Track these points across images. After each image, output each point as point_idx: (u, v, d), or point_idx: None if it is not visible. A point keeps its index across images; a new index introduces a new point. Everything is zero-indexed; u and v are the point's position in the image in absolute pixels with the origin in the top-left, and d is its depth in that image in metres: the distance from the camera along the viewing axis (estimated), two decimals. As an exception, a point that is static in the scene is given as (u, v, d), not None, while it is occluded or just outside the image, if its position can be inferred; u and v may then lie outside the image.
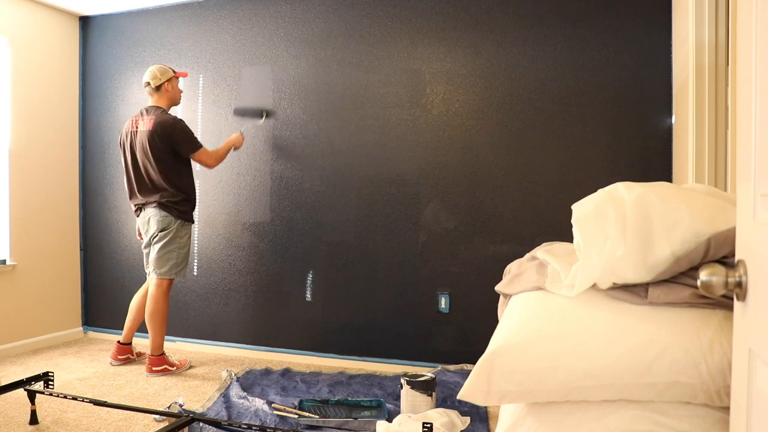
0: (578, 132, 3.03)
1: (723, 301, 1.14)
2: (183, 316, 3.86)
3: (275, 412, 2.53)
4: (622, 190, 1.30)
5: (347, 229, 3.45)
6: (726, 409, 1.04)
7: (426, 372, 2.78)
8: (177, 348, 3.82)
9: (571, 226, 1.36)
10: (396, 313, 3.17)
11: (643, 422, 1.10)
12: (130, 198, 3.29)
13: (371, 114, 3.39)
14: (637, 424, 1.10)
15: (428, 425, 2.02)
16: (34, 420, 2.46)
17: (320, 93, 3.51)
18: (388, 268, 3.36)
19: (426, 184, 3.29)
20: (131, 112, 4.01)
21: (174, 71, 3.28)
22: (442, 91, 3.27)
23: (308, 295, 3.55)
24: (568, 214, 1.39)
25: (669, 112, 2.88)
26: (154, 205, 3.16)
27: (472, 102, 3.21)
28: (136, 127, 3.18)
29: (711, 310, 1.16)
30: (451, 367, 3.15)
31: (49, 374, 2.63)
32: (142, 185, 3.19)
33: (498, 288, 1.79)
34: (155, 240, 3.19)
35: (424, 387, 2.50)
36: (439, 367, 3.17)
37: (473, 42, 3.20)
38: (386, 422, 2.35)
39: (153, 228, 3.19)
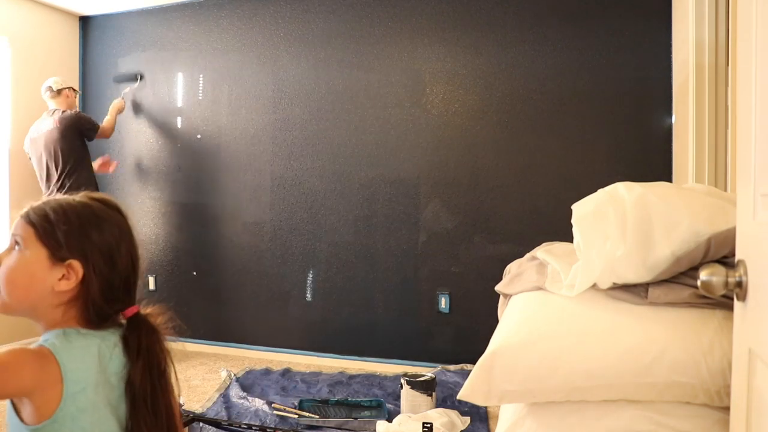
0: (578, 132, 3.03)
1: (723, 301, 1.14)
2: (183, 316, 3.85)
3: (275, 412, 2.53)
4: (622, 190, 1.30)
5: (347, 229, 3.45)
6: (726, 409, 1.04)
7: (426, 372, 2.78)
8: (177, 348, 3.81)
9: (571, 226, 1.36)
10: (396, 313, 3.17)
11: (643, 422, 1.10)
12: None
13: (371, 114, 3.39)
14: (637, 424, 1.10)
15: (428, 425, 2.02)
16: (34, 420, 2.47)
17: (320, 93, 3.51)
18: (388, 268, 3.36)
19: (426, 184, 3.29)
20: (131, 112, 4.01)
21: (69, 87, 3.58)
22: (442, 91, 3.27)
23: (308, 295, 3.55)
24: (568, 214, 1.39)
25: (669, 112, 2.88)
26: None
27: (472, 102, 3.21)
28: (38, 131, 3.46)
29: (711, 310, 1.16)
30: (451, 367, 3.15)
31: (49, 374, 2.63)
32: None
33: (498, 288, 1.79)
34: None
35: (424, 387, 2.50)
36: (439, 367, 3.17)
37: (473, 42, 3.20)
38: (386, 422, 2.35)
39: None
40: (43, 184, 3.42)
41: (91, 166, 3.53)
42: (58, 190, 3.32)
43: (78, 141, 3.41)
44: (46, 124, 3.40)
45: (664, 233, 1.19)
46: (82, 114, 3.54)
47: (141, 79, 3.89)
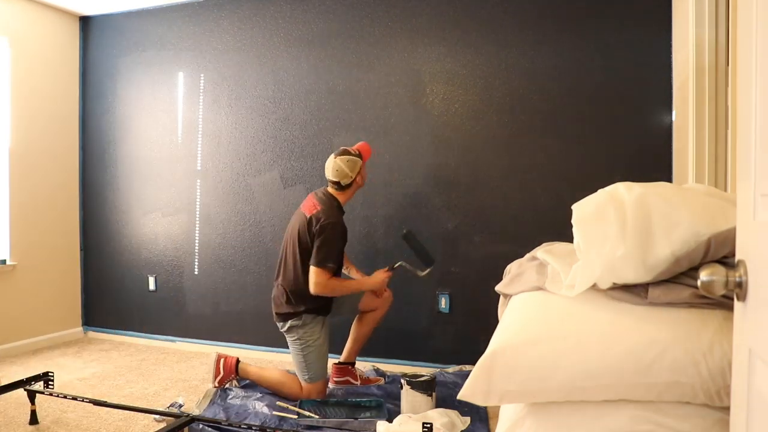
0: (578, 132, 3.03)
1: (723, 301, 1.14)
2: (183, 316, 3.86)
3: (275, 412, 2.53)
4: (622, 190, 1.30)
5: (347, 228, 3.44)
6: (726, 409, 1.04)
7: (426, 372, 2.78)
8: (177, 348, 3.82)
9: (571, 226, 1.36)
10: (396, 313, 3.17)
11: (643, 422, 1.10)
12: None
13: (371, 114, 3.39)
14: (637, 424, 1.10)
15: (428, 425, 2.02)
16: (34, 420, 2.46)
17: (320, 93, 3.51)
18: (388, 268, 3.35)
19: (426, 184, 3.29)
20: (131, 112, 4.01)
21: (361, 157, 2.77)
22: (442, 91, 3.27)
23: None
24: (568, 214, 1.39)
25: (669, 112, 2.88)
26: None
27: (472, 102, 3.21)
28: (301, 206, 2.83)
29: (711, 310, 1.16)
30: (451, 369, 3.15)
31: (49, 374, 2.63)
32: (279, 270, 2.85)
33: (498, 288, 1.79)
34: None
35: (424, 387, 2.50)
36: (439, 370, 3.17)
37: (473, 42, 3.20)
38: (386, 422, 2.35)
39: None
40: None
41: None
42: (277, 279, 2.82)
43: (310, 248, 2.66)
44: (306, 203, 2.78)
45: (664, 233, 1.19)
46: (336, 232, 2.67)
47: (430, 269, 2.85)
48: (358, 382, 2.97)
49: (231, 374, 2.87)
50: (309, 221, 2.68)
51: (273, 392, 2.78)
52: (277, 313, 2.79)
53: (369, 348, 3.10)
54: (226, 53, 3.74)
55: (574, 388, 1.13)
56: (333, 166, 2.74)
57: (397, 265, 2.82)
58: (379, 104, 3.37)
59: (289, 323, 2.73)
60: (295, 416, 2.48)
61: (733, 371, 0.90)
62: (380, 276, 2.80)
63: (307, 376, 2.73)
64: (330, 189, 2.80)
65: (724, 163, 2.15)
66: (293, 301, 2.72)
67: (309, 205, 2.76)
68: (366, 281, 2.83)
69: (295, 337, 2.73)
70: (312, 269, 2.63)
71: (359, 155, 2.77)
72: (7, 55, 3.64)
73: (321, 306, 2.75)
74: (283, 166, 3.60)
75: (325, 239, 2.63)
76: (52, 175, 3.96)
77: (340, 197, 2.79)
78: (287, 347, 3.48)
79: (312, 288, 2.63)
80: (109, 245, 4.09)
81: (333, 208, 2.73)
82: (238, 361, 2.90)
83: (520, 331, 1.24)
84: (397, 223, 3.34)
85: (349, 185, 2.76)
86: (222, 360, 2.89)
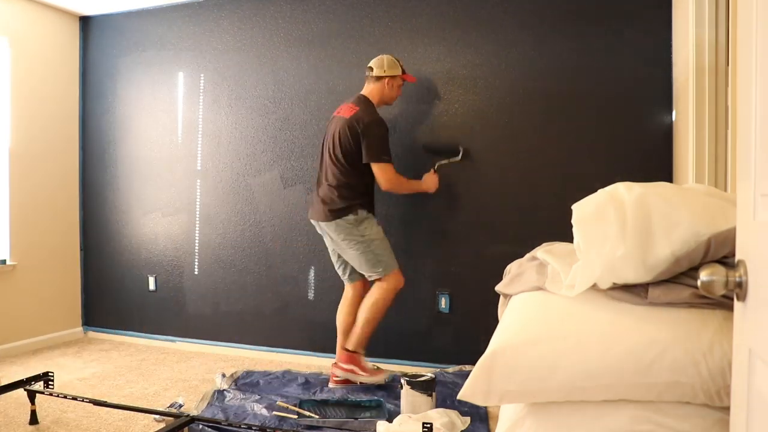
0: (578, 132, 3.03)
1: (723, 301, 1.14)
2: (183, 316, 3.86)
3: (275, 412, 2.53)
4: (622, 190, 1.30)
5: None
6: (726, 409, 1.04)
7: (426, 372, 2.78)
8: (177, 348, 3.82)
9: (571, 226, 1.36)
10: (396, 313, 3.17)
11: (643, 422, 1.10)
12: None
13: (371, 114, 3.39)
14: (637, 424, 1.10)
15: (428, 425, 2.02)
16: (34, 420, 2.46)
17: (320, 93, 3.51)
18: (388, 268, 3.35)
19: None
20: (131, 112, 4.01)
21: (404, 71, 2.97)
22: (442, 91, 3.26)
23: (310, 294, 3.55)
24: (568, 214, 1.39)
25: (669, 112, 2.88)
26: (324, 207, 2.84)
27: (472, 102, 3.21)
28: (338, 112, 2.93)
29: (711, 310, 1.16)
30: (451, 369, 3.15)
31: (49, 374, 2.63)
32: (321, 176, 2.93)
33: (498, 288, 1.79)
34: (340, 248, 2.90)
35: (424, 387, 2.50)
36: (439, 370, 3.17)
37: (473, 42, 3.20)
38: (386, 422, 2.35)
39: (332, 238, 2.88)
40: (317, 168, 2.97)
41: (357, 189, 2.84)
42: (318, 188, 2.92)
43: (353, 153, 2.79)
44: (342, 109, 2.89)
45: (664, 233, 1.19)
46: (380, 127, 2.79)
47: (463, 154, 3.14)
48: (366, 373, 2.90)
49: (356, 363, 2.88)
50: (350, 123, 2.77)
51: (377, 318, 2.84)
52: (330, 210, 2.79)
53: (369, 348, 3.10)
54: (226, 53, 3.74)
55: (574, 388, 1.13)
56: (378, 57, 2.94)
57: (437, 166, 3.09)
58: (379, 104, 3.37)
59: (347, 219, 2.78)
60: (295, 416, 2.48)
61: (733, 371, 0.90)
62: (432, 177, 3.04)
63: (381, 269, 2.80)
64: (364, 90, 2.95)
65: (724, 163, 2.15)
66: (346, 195, 2.79)
67: (346, 109, 2.86)
68: (423, 183, 3.02)
69: (356, 235, 2.79)
70: (375, 167, 2.78)
71: (404, 71, 2.96)
72: (7, 55, 3.64)
73: (370, 202, 2.88)
74: (283, 166, 3.60)
75: (373, 136, 2.75)
76: (52, 175, 3.96)
77: (373, 97, 2.91)
78: (287, 347, 3.48)
79: (384, 185, 2.81)
80: (109, 245, 4.09)
81: (370, 106, 2.86)
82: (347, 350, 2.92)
83: (520, 331, 1.24)
84: (397, 223, 3.34)
85: (378, 79, 2.90)
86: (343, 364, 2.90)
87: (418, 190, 3.01)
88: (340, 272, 3.06)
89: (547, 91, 3.07)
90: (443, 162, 3.12)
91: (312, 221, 3.00)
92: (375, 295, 2.86)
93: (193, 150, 3.84)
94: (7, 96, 3.65)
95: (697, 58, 2.26)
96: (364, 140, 2.76)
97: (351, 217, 2.79)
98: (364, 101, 2.88)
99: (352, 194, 2.81)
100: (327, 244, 3.03)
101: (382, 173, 2.79)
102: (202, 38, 3.80)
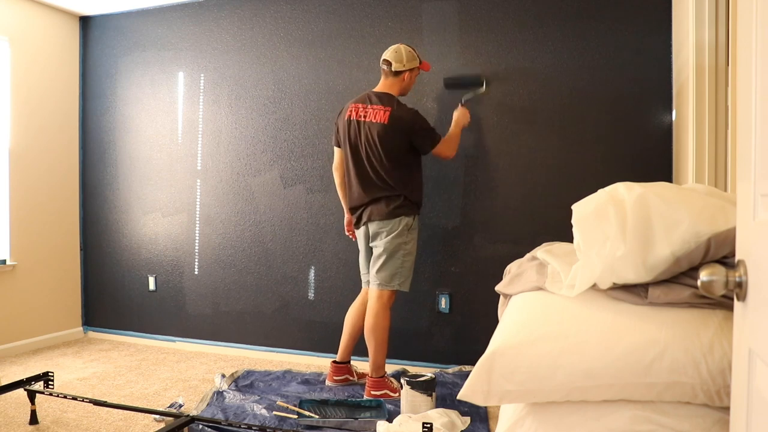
0: (578, 132, 3.03)
1: (723, 301, 1.14)
2: (183, 316, 3.86)
3: (275, 412, 2.53)
4: (622, 190, 1.30)
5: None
6: (726, 409, 1.04)
7: (426, 372, 2.78)
8: (177, 348, 3.82)
9: (571, 226, 1.36)
10: (396, 313, 3.17)
11: (643, 422, 1.10)
12: (349, 193, 2.90)
13: (371, 114, 3.39)
14: (637, 424, 1.10)
15: (428, 425, 2.02)
16: (34, 420, 2.46)
17: (320, 93, 3.51)
18: (388, 268, 3.35)
19: (426, 183, 3.28)
20: (131, 112, 4.01)
21: (420, 61, 2.90)
22: (442, 91, 3.26)
23: (311, 294, 3.55)
24: (568, 214, 1.39)
25: (669, 112, 2.88)
26: (378, 203, 2.80)
27: (471, 102, 3.21)
28: (363, 116, 2.79)
29: (711, 310, 1.16)
30: (451, 369, 3.15)
31: (49, 374, 2.63)
32: (366, 182, 2.81)
33: (498, 288, 1.79)
34: (378, 246, 2.82)
35: (424, 387, 2.50)
36: (439, 370, 3.17)
37: (473, 42, 3.20)
38: (386, 422, 2.35)
39: (376, 232, 2.83)
40: (351, 181, 2.86)
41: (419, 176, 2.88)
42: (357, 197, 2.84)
43: (403, 150, 2.76)
44: (375, 114, 2.75)
45: (664, 233, 1.20)
46: (420, 116, 2.79)
47: (486, 83, 3.11)
48: (355, 378, 3.02)
49: (386, 387, 2.82)
50: (390, 125, 2.71)
51: (385, 338, 2.80)
52: (393, 209, 2.74)
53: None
54: (226, 53, 3.74)
55: (574, 388, 1.13)
56: (394, 48, 2.83)
57: (464, 100, 3.09)
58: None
59: (407, 219, 2.77)
60: (295, 416, 2.48)
61: (733, 371, 0.90)
62: (463, 112, 3.01)
63: (396, 282, 2.79)
64: (380, 86, 2.86)
65: (724, 163, 2.15)
66: (398, 189, 2.75)
67: (375, 114, 2.76)
68: (457, 124, 2.97)
69: (402, 241, 2.76)
70: (437, 149, 2.81)
71: (421, 62, 2.90)
72: (7, 55, 3.64)
73: (420, 201, 2.88)
74: (283, 166, 3.60)
75: (421, 127, 2.76)
76: (52, 175, 3.96)
77: (394, 92, 2.84)
78: (287, 347, 3.48)
79: (448, 154, 2.86)
80: (109, 245, 4.09)
81: (399, 102, 2.80)
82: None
83: (520, 331, 1.24)
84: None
85: (396, 74, 2.82)
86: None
87: (459, 131, 2.97)
88: (363, 274, 3.01)
89: (547, 91, 3.07)
90: (469, 96, 3.10)
91: (355, 230, 2.96)
92: (373, 315, 2.79)
93: (193, 150, 3.84)
94: (7, 96, 3.65)
95: (697, 58, 2.26)
96: (416, 137, 2.76)
97: (410, 219, 2.79)
98: (391, 99, 2.79)
99: (406, 187, 2.78)
100: (361, 246, 2.95)
101: (443, 148, 2.83)
102: (202, 38, 3.80)
